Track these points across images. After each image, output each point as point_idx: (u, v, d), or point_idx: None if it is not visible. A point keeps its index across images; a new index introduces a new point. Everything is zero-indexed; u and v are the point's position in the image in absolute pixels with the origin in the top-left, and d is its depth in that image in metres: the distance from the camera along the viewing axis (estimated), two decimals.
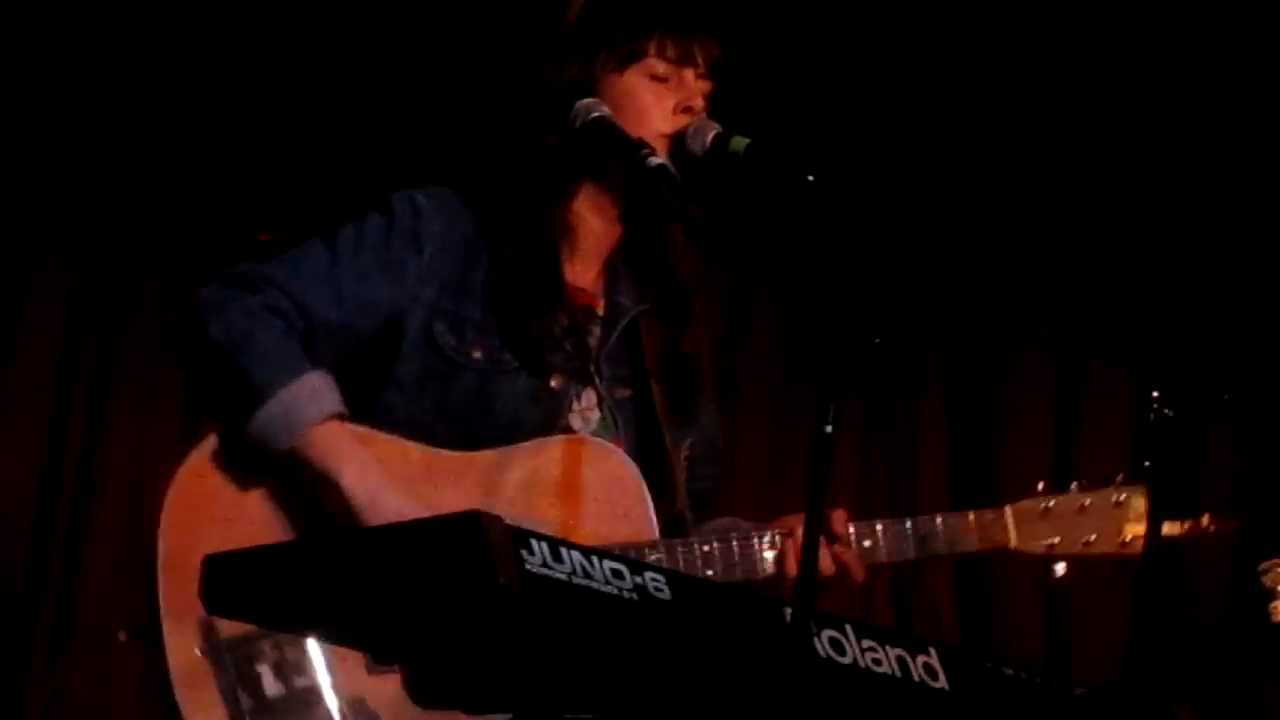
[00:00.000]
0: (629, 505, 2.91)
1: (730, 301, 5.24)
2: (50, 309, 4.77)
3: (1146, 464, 2.82)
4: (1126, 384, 5.21)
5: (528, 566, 2.05)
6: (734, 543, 2.92)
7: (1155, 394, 2.49)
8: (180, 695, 2.73)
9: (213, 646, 2.75)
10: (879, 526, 2.96)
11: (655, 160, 2.84)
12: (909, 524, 2.93)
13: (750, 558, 2.91)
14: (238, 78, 4.88)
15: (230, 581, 2.26)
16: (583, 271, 3.08)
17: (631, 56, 2.99)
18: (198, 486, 2.84)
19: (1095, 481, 3.01)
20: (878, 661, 2.23)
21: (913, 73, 5.17)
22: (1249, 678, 5.03)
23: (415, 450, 2.90)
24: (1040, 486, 3.02)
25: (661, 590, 2.13)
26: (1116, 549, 2.96)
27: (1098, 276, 5.30)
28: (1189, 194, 5.23)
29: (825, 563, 2.89)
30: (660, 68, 2.99)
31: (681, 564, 2.86)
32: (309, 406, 2.81)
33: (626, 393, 3.08)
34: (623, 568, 2.11)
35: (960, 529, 2.96)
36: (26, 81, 4.75)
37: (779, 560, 2.92)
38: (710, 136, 2.91)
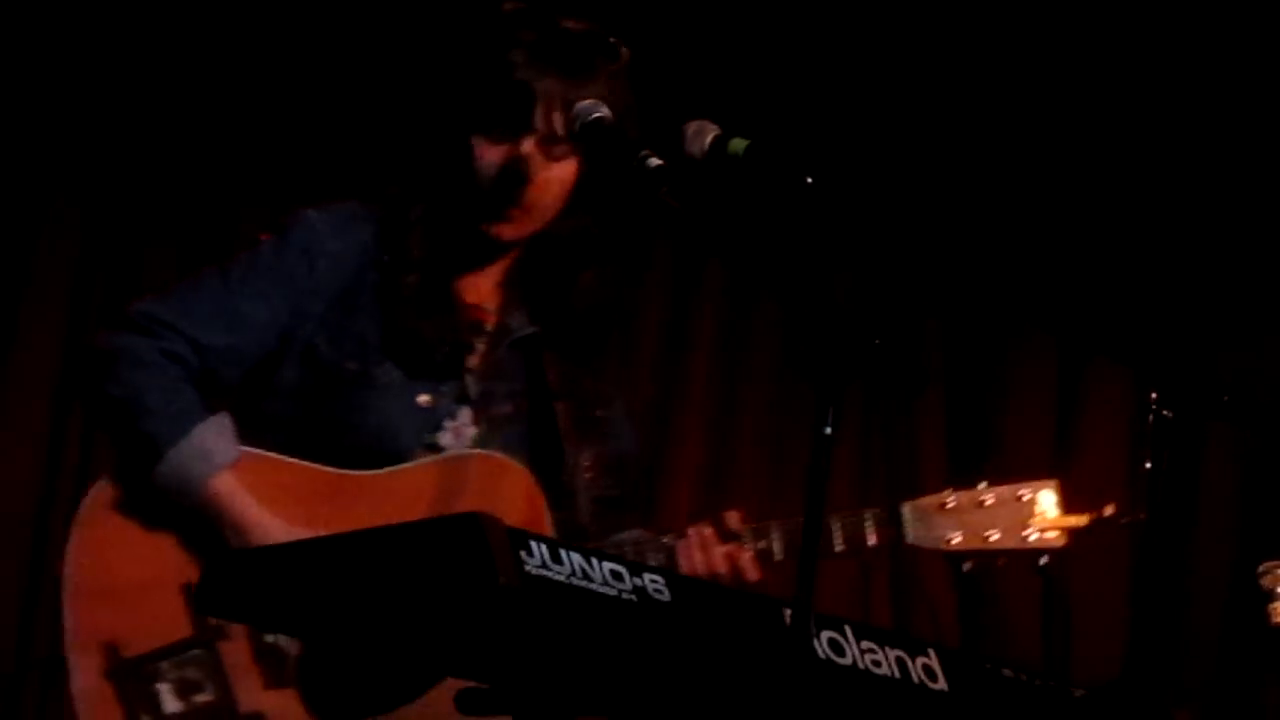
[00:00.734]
0: (527, 513, 2.92)
1: (729, 303, 5.25)
2: (50, 309, 4.77)
3: (1147, 465, 2.82)
4: (1126, 385, 5.22)
5: (527, 568, 2.05)
6: (626, 549, 2.93)
7: (1154, 395, 2.50)
8: None
9: (115, 670, 2.82)
10: (774, 526, 2.95)
11: (655, 161, 2.83)
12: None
13: (641, 560, 2.90)
14: (236, 77, 4.88)
15: (229, 582, 2.26)
16: (475, 287, 3.07)
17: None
18: (104, 516, 2.91)
19: (1003, 480, 3.00)
20: (877, 663, 2.23)
21: (913, 74, 5.17)
22: (1249, 678, 5.04)
23: (309, 472, 2.93)
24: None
25: (661, 592, 2.13)
26: (1019, 544, 2.96)
27: (1097, 278, 5.30)
28: (1189, 195, 5.23)
29: (717, 561, 2.90)
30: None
31: None
32: (197, 465, 2.87)
33: (507, 409, 3.06)
34: (622, 569, 2.12)
35: (856, 527, 2.94)
36: (27, 80, 4.75)
37: (668, 559, 2.92)
38: (709, 138, 2.90)
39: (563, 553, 2.09)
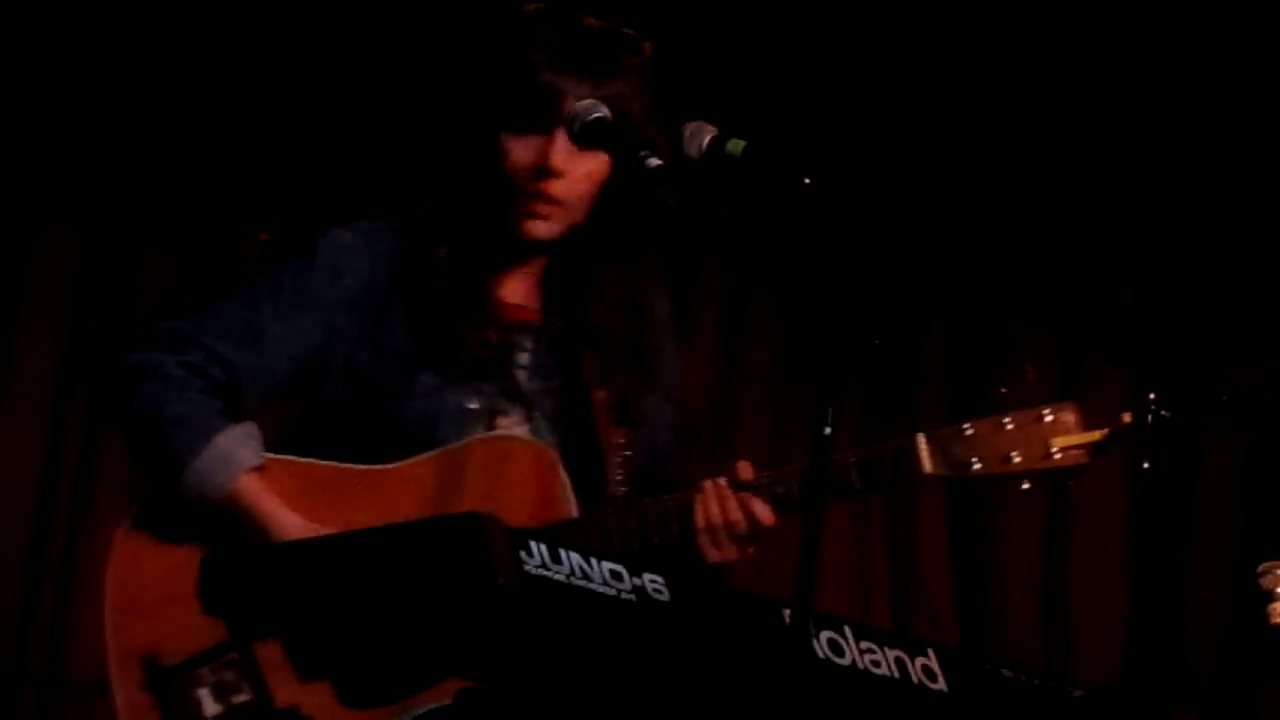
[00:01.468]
0: (544, 490, 2.93)
1: (728, 304, 5.24)
2: (49, 310, 4.77)
3: (1145, 465, 2.81)
4: (1125, 385, 5.22)
5: (526, 567, 2.06)
6: (644, 503, 2.93)
7: (1153, 395, 2.49)
8: None
9: (154, 680, 2.88)
10: (789, 472, 2.93)
11: (654, 161, 2.84)
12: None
13: (660, 516, 2.90)
14: (236, 79, 4.88)
15: (228, 582, 2.26)
16: (516, 288, 3.08)
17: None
18: (139, 533, 2.98)
19: (1022, 403, 2.96)
20: (876, 663, 2.24)
21: (912, 75, 5.17)
22: (1248, 679, 5.03)
23: (331, 470, 2.97)
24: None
25: (660, 591, 2.14)
26: (1040, 463, 2.90)
27: (1096, 279, 5.30)
28: (1189, 195, 5.23)
29: (733, 509, 2.89)
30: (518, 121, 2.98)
31: (593, 533, 2.88)
32: (221, 471, 2.90)
33: (553, 404, 3.07)
34: (621, 569, 2.12)
35: (872, 464, 2.92)
36: (26, 83, 4.75)
37: (684, 513, 2.91)
38: (706, 139, 2.90)
39: (562, 552, 2.09)
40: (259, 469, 2.93)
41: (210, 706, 2.86)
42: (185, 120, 4.86)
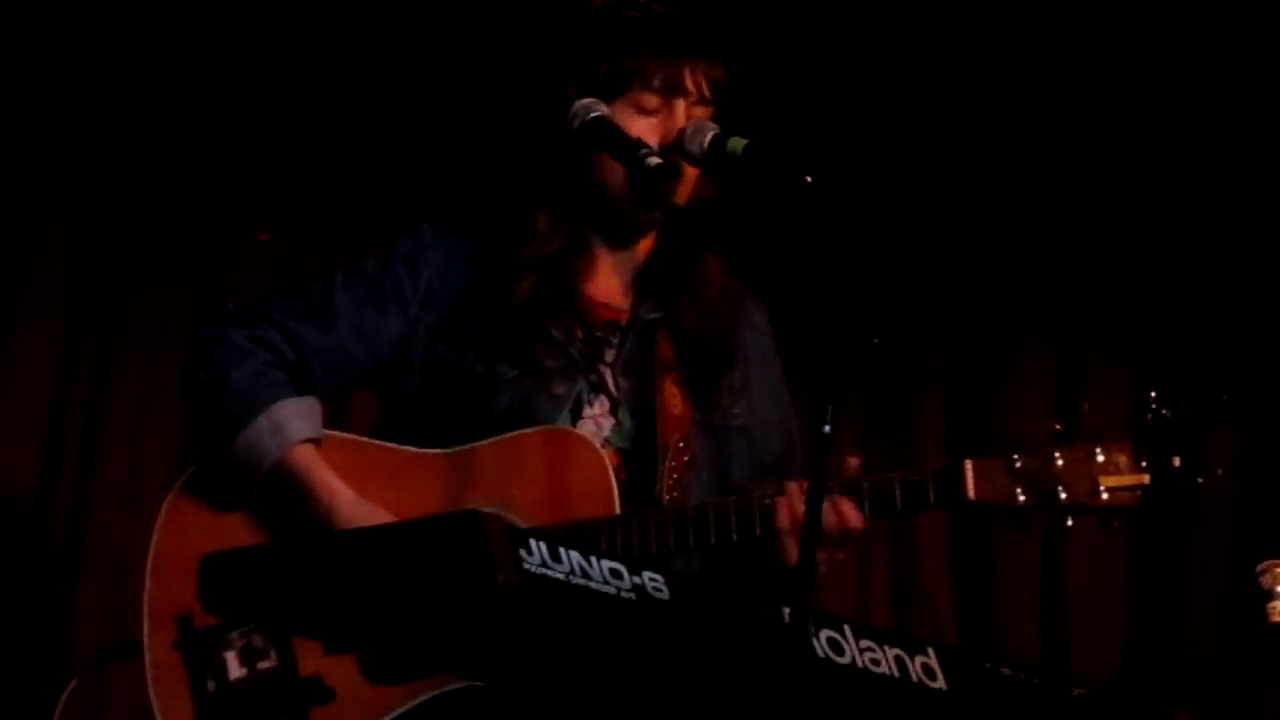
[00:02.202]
0: (587, 485, 2.93)
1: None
2: (49, 309, 4.77)
3: (1144, 464, 2.81)
4: (1126, 384, 5.22)
5: (526, 566, 2.05)
6: (709, 510, 2.90)
7: (1153, 394, 2.49)
8: (152, 694, 2.94)
9: (185, 640, 2.94)
10: (895, 478, 2.89)
11: (654, 160, 2.84)
12: (865, 483, 2.90)
13: (724, 517, 2.88)
14: (237, 78, 4.88)
15: (229, 582, 2.26)
16: (605, 288, 3.11)
17: (620, 87, 2.99)
18: (189, 501, 3.02)
19: (1074, 440, 2.94)
20: (876, 662, 2.23)
21: (912, 73, 5.17)
22: (1248, 678, 5.03)
23: (388, 451, 3.01)
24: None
25: (660, 590, 2.13)
26: (1087, 501, 2.83)
27: (1096, 277, 5.31)
28: (1188, 194, 5.23)
29: (827, 515, 2.83)
30: (649, 101, 2.99)
31: (635, 531, 2.87)
32: (270, 441, 2.94)
33: (635, 400, 3.09)
34: (621, 568, 2.12)
35: (917, 485, 2.89)
36: (25, 82, 4.75)
37: (754, 516, 2.87)
38: (708, 137, 2.91)
39: (562, 551, 2.09)
40: (314, 442, 2.96)
41: (235, 669, 2.91)
42: (185, 121, 4.86)
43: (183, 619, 2.93)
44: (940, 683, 2.27)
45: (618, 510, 2.90)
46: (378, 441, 3.02)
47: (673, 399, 3.08)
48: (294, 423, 2.95)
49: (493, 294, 3.03)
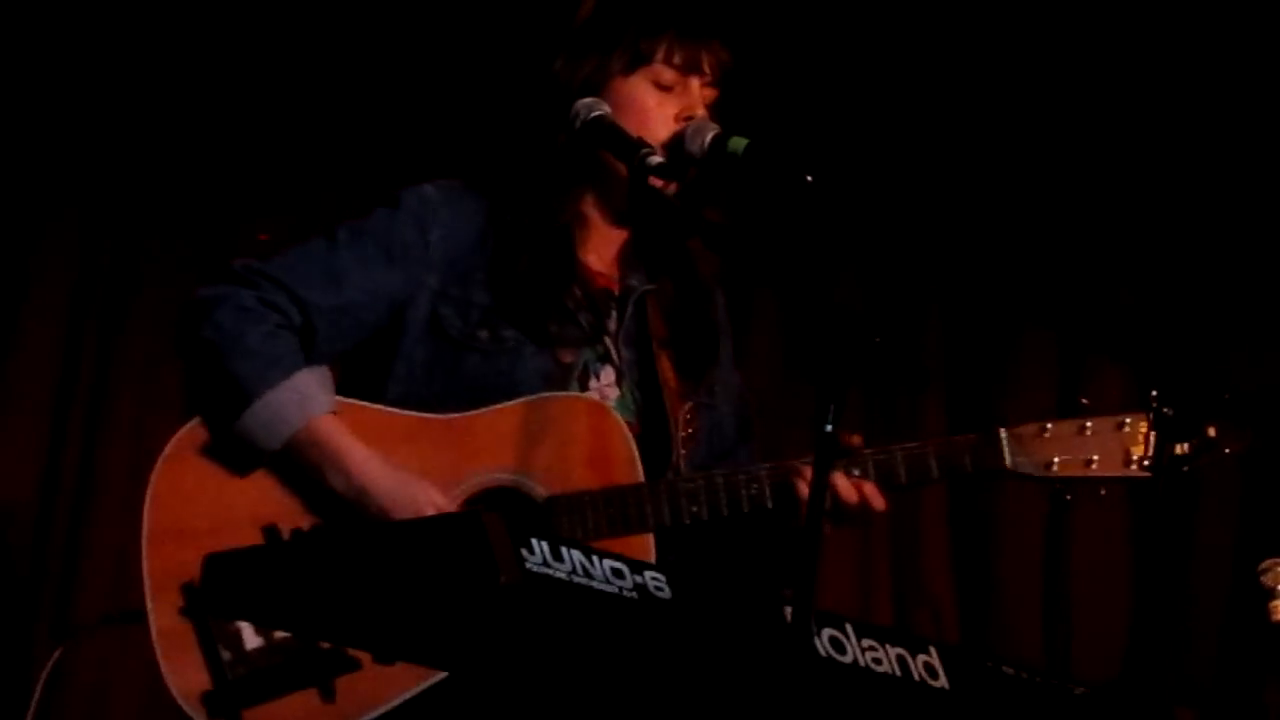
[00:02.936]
0: (609, 452, 2.93)
1: (730, 301, 5.24)
2: (51, 308, 4.78)
3: (1145, 462, 2.81)
4: (1127, 383, 5.22)
5: (528, 565, 2.05)
6: (718, 479, 2.93)
7: (1155, 393, 2.49)
8: (163, 662, 2.80)
9: (194, 608, 2.82)
10: (897, 450, 2.94)
11: (655, 159, 2.85)
12: (899, 452, 2.92)
13: (738, 487, 2.92)
14: (238, 78, 4.89)
15: (230, 581, 2.26)
16: (599, 258, 3.11)
17: (639, 61, 3.01)
18: (184, 466, 2.90)
19: (1099, 410, 2.96)
20: (878, 661, 2.23)
21: (913, 73, 5.17)
22: (1249, 678, 5.03)
23: (401, 417, 2.94)
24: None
25: (661, 589, 2.13)
26: (1121, 470, 2.88)
27: (1098, 276, 5.31)
28: (1190, 193, 5.23)
29: (845, 489, 2.89)
30: (666, 75, 3.01)
31: (665, 499, 2.89)
32: (295, 411, 2.86)
33: (638, 371, 3.09)
34: (623, 566, 2.11)
35: (953, 451, 2.93)
36: (28, 81, 4.75)
37: (782, 486, 2.91)
38: (709, 137, 2.91)
39: (564, 550, 2.09)
40: (333, 413, 2.89)
41: (252, 639, 2.81)
42: (186, 121, 4.86)
43: (188, 585, 2.81)
44: (942, 682, 2.27)
45: (641, 479, 2.91)
46: (393, 409, 2.94)
47: (668, 372, 3.09)
48: (319, 394, 2.88)
49: (500, 260, 3.00)
